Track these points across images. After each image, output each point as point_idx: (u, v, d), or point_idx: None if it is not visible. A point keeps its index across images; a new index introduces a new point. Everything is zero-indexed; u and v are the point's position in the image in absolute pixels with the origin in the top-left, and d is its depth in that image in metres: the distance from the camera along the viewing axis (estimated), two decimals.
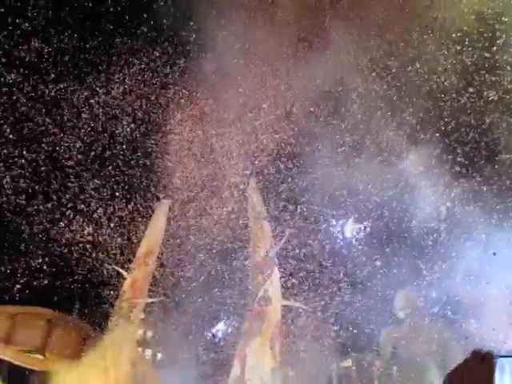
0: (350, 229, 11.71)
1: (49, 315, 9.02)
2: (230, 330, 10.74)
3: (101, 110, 11.37)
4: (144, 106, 11.58)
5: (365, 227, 11.64)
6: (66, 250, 10.77)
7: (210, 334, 11.63)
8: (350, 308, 10.96)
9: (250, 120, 11.07)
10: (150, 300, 8.94)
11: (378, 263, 11.62)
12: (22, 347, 8.70)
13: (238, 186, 10.32)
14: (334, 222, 11.64)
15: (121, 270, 8.90)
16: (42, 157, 10.82)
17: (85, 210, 11.12)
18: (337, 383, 11.96)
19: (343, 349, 11.24)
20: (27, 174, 10.86)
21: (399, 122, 11.01)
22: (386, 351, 11.06)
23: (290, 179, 11.05)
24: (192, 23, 11.09)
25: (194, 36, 11.15)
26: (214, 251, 10.51)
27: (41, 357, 8.76)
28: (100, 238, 10.43)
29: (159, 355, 12.12)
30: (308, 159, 11.17)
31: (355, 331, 10.76)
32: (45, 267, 10.88)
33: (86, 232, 10.51)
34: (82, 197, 10.99)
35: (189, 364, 10.39)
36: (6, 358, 8.92)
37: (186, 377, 9.73)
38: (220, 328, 11.36)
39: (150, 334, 11.95)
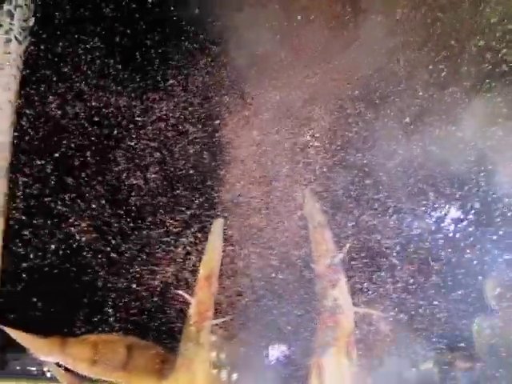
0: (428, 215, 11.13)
1: (128, 341, 9.25)
2: (303, 343, 10.59)
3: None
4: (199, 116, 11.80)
5: (444, 209, 11.01)
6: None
7: (283, 349, 11.66)
8: (431, 304, 10.44)
9: (301, 115, 10.86)
10: (215, 321, 8.78)
11: (462, 246, 10.94)
12: (104, 373, 9.26)
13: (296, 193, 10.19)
14: (407, 211, 11.14)
15: (185, 295, 8.83)
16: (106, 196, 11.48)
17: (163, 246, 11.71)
18: None
19: (423, 350, 10.75)
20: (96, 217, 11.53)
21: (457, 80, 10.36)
22: (480, 345, 10.43)
23: (353, 171, 10.69)
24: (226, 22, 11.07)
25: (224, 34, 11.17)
26: (279, 265, 10.47)
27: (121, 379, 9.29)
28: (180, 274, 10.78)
29: (235, 376, 12.24)
30: (368, 146, 10.75)
31: (438, 330, 10.26)
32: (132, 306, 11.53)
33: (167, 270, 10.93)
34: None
35: (265, 381, 10.49)
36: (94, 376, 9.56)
37: None
38: (293, 342, 11.23)
39: (223, 355, 12.08)
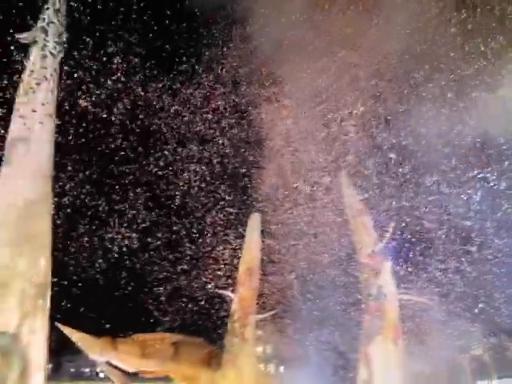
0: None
1: (174, 338, 9.40)
2: (350, 334, 10.43)
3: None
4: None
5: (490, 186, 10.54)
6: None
7: (329, 341, 11.47)
8: (481, 290, 10.09)
9: (333, 99, 10.69)
10: (260, 316, 8.90)
11: None
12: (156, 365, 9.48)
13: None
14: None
15: (226, 293, 9.04)
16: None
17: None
18: (470, 372, 11.09)
19: (473, 337, 10.38)
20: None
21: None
22: None
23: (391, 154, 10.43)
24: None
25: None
26: (324, 258, 10.33)
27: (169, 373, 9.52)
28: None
29: (281, 368, 12.20)
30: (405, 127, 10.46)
31: (489, 316, 9.91)
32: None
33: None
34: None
35: (312, 374, 10.42)
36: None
37: None
38: (340, 333, 11.08)
39: (269, 349, 12.05)
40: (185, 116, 11.54)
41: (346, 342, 10.21)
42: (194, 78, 11.44)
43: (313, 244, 10.27)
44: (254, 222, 9.50)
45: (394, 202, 9.84)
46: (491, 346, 10.76)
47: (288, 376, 11.77)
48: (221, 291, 9.17)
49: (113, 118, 11.32)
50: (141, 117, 11.54)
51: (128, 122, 11.46)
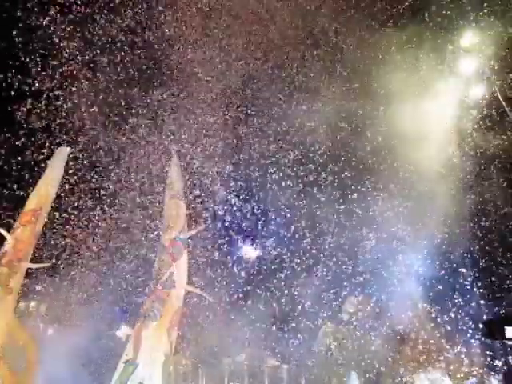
0: None
1: None
2: (127, 310, 9.99)
3: None
4: None
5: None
6: None
7: (109, 312, 10.95)
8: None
9: None
10: (35, 265, 7.85)
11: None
12: None
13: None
14: None
15: (1, 230, 7.60)
16: None
17: None
18: (228, 378, 11.50)
19: (241, 343, 10.62)
20: None
21: None
22: (320, 346, 10.72)
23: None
24: None
25: None
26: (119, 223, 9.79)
27: None
28: None
29: (50, 330, 11.31)
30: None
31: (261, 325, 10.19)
32: None
33: None
34: None
35: (78, 339, 9.84)
36: None
37: (73, 353, 9.10)
38: (116, 306, 10.57)
39: (43, 307, 11.06)
40: None
41: (125, 316, 9.81)
42: None
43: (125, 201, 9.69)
44: (60, 156, 8.35)
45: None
46: (251, 354, 11.19)
47: (55, 336, 10.97)
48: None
49: None
50: None
51: None
